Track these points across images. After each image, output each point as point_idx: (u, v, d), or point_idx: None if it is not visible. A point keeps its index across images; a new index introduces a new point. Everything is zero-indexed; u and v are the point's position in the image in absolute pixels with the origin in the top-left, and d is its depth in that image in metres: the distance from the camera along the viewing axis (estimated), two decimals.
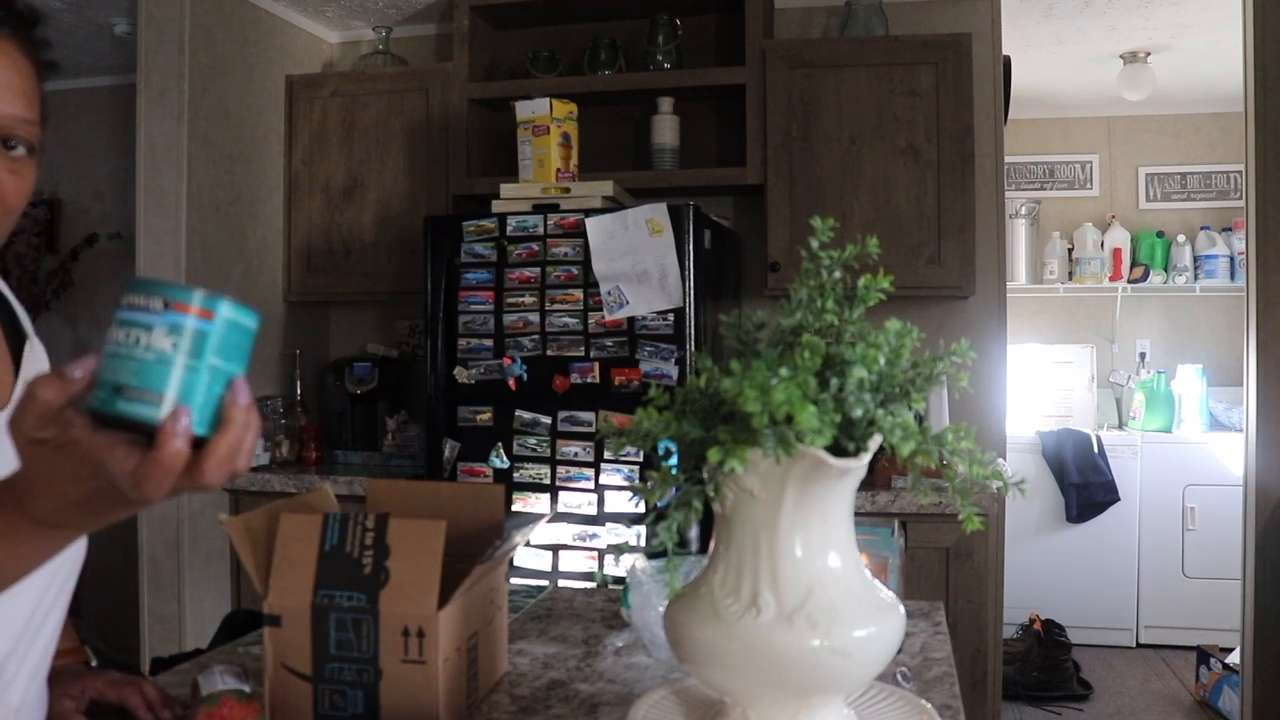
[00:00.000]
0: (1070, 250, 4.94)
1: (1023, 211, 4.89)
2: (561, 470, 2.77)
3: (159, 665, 1.44)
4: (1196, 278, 4.83)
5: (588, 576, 2.70)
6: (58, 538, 0.70)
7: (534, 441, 2.79)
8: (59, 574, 0.97)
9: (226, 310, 0.61)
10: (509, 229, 2.81)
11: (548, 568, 2.77)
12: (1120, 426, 4.85)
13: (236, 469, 0.64)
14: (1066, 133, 5.13)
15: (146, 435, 0.60)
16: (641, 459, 2.66)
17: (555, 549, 2.77)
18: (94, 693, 1.13)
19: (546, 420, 2.78)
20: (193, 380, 0.60)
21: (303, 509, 1.12)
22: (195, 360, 0.60)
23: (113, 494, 0.64)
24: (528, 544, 2.76)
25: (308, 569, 1.06)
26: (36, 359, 0.99)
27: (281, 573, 1.06)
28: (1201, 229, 4.89)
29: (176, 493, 0.63)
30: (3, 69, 0.84)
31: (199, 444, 0.62)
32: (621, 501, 2.71)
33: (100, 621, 2.86)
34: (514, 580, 2.03)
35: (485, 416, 2.84)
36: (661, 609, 1.21)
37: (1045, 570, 4.44)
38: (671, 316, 2.68)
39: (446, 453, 2.88)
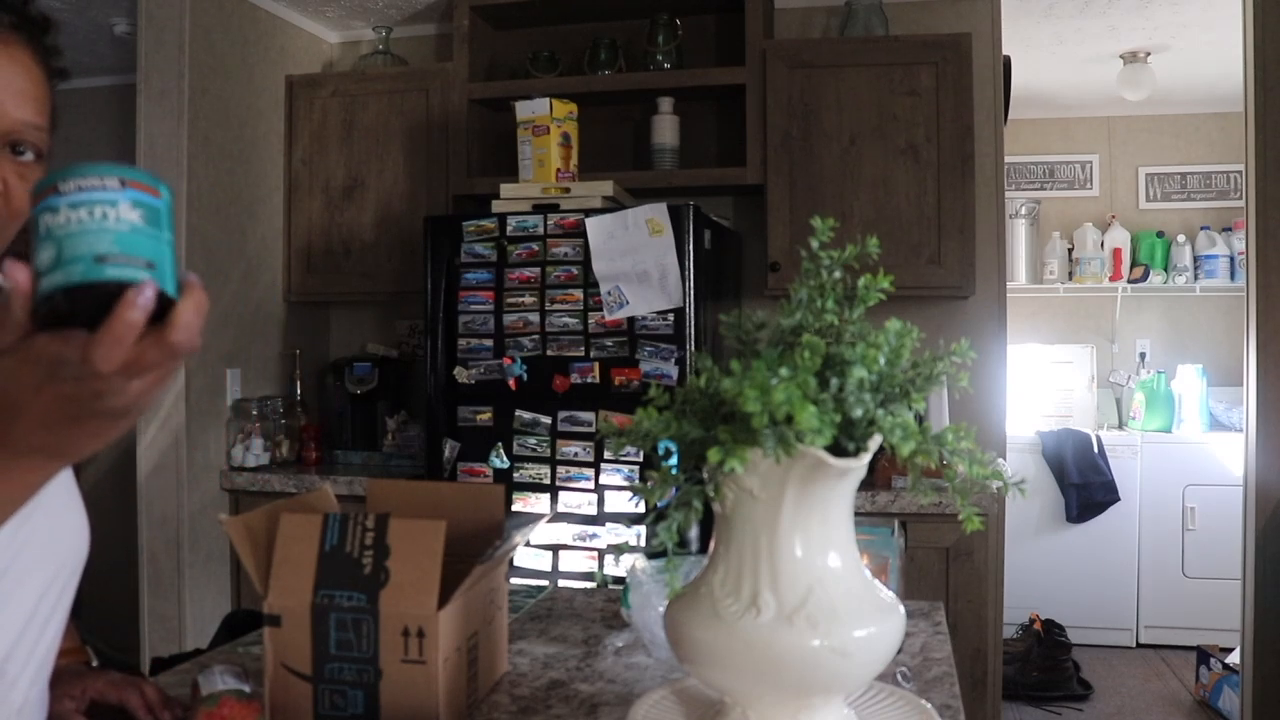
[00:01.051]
0: (1070, 250, 4.94)
1: (1023, 211, 4.89)
2: (561, 470, 2.77)
3: (159, 665, 1.44)
4: (1196, 278, 4.83)
5: (588, 576, 2.70)
6: (32, 469, 0.69)
7: (534, 441, 2.79)
8: (60, 574, 0.96)
9: (165, 191, 0.64)
10: (509, 229, 2.81)
11: (548, 568, 2.77)
12: (1120, 426, 4.85)
13: (197, 338, 0.64)
14: (1066, 133, 5.13)
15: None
16: (641, 459, 2.66)
17: (555, 549, 2.77)
18: (94, 693, 1.13)
19: (546, 420, 2.78)
20: (164, 249, 0.63)
21: (303, 509, 1.12)
22: (162, 231, 0.64)
23: (74, 404, 0.63)
24: (528, 544, 2.76)
25: (308, 569, 1.06)
26: None
27: (281, 573, 1.06)
28: (1201, 229, 4.88)
29: (145, 370, 0.62)
30: (15, 75, 0.85)
31: (162, 316, 0.63)
32: (621, 501, 2.71)
33: (100, 621, 2.85)
34: (514, 580, 2.03)
35: (485, 416, 2.84)
36: (661, 609, 1.21)
37: (1045, 570, 4.44)
38: (671, 316, 2.68)
39: (446, 453, 2.88)
